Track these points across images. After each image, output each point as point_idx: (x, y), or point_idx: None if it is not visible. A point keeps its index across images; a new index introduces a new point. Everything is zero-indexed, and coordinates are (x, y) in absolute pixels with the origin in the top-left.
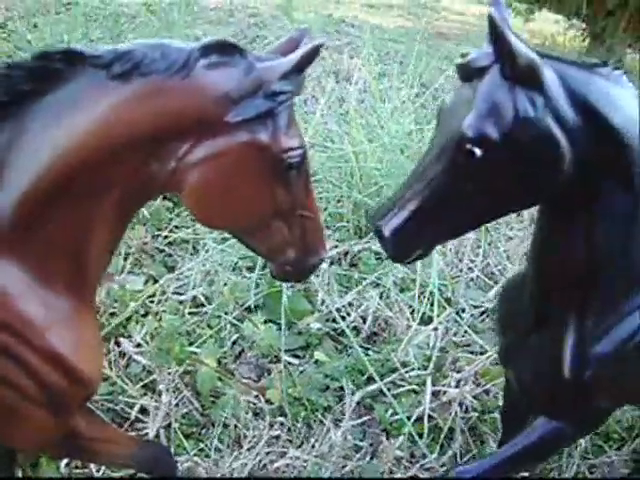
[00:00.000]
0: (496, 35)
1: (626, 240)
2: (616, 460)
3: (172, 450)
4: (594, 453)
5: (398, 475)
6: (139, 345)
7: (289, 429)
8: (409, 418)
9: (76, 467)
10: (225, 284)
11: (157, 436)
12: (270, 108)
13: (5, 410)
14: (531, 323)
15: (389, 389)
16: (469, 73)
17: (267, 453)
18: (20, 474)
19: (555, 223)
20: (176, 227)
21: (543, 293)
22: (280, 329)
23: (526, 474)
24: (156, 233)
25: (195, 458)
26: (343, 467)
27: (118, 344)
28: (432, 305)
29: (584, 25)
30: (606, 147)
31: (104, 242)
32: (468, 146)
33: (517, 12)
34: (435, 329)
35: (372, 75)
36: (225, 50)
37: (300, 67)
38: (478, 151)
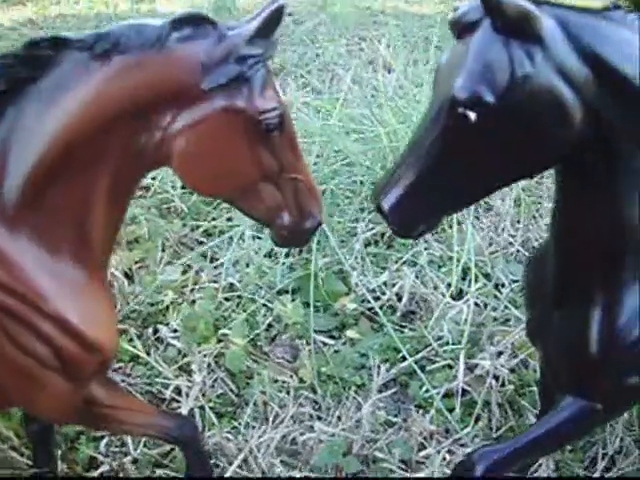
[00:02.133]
0: None
1: None
2: None
3: (204, 428)
4: None
5: (430, 449)
6: (175, 330)
7: (319, 406)
8: (444, 393)
9: (115, 447)
10: (260, 270)
11: (192, 415)
12: (240, 72)
13: (26, 377)
14: (555, 297)
15: (424, 365)
16: (461, 29)
17: (294, 428)
18: (59, 454)
19: (574, 189)
20: (214, 219)
21: (566, 265)
22: (317, 311)
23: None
24: (194, 224)
25: (226, 434)
26: (373, 441)
27: (157, 331)
28: (469, 281)
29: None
30: (622, 101)
31: (105, 213)
32: (460, 110)
33: None
34: (466, 302)
35: (406, 61)
36: (196, 22)
37: (265, 30)
38: (472, 114)
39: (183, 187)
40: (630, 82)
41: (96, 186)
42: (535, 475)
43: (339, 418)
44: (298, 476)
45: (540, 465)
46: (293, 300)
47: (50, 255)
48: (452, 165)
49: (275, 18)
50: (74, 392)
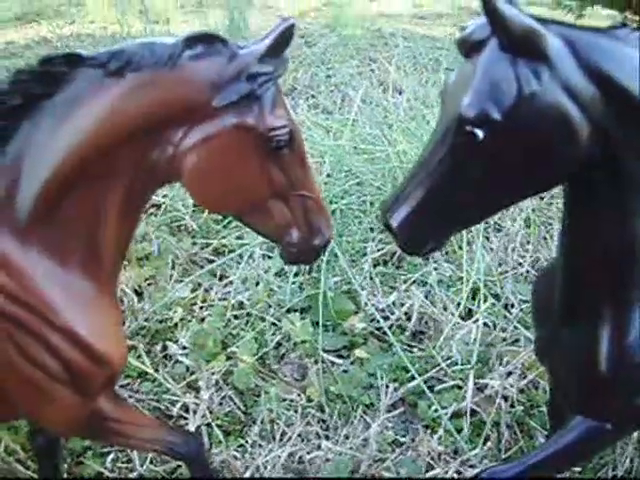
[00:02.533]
0: (484, 4)
1: None
2: None
3: (211, 445)
4: None
5: (437, 469)
6: (184, 347)
7: (327, 425)
8: (453, 413)
9: (121, 462)
10: (270, 289)
11: (199, 433)
12: (251, 90)
13: (34, 389)
14: (563, 315)
15: (433, 385)
16: (468, 48)
17: (301, 446)
18: (65, 468)
19: (582, 205)
20: (223, 237)
21: (574, 283)
22: (326, 330)
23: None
24: (204, 242)
25: (233, 452)
26: (381, 461)
27: (165, 348)
28: (478, 301)
29: (637, 17)
30: (629, 120)
31: (116, 227)
32: (468, 128)
33: (569, 9)
34: (475, 321)
35: (416, 82)
36: (208, 41)
37: (275, 48)
38: (480, 132)
39: (194, 205)
40: (635, 98)
41: (108, 201)
42: None
43: (346, 437)
44: None
45: None
46: (302, 319)
47: (61, 268)
48: (460, 183)
49: (286, 37)
50: (82, 405)
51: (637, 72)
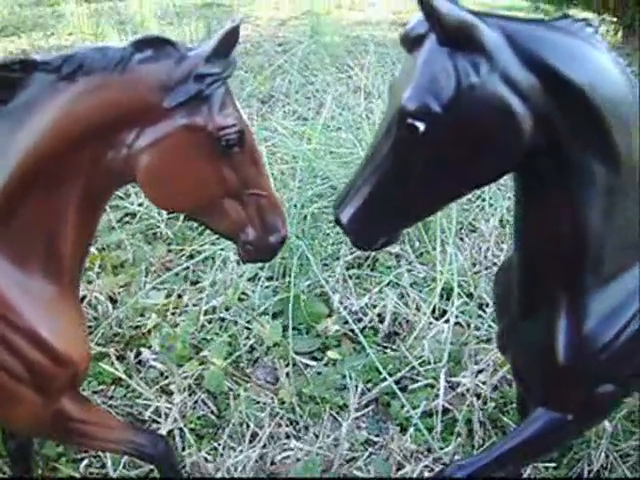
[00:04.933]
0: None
1: (611, 210)
2: None
3: (184, 448)
4: (625, 438)
5: (408, 467)
6: (157, 353)
7: (298, 427)
8: (427, 412)
9: (94, 468)
10: (243, 293)
11: (172, 437)
12: (199, 90)
13: (1, 392)
14: (521, 306)
15: (407, 385)
16: (409, 43)
17: (271, 447)
18: (39, 474)
19: (531, 196)
20: (198, 244)
21: (529, 274)
22: (299, 333)
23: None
24: (178, 249)
25: (204, 455)
26: (353, 460)
27: (139, 354)
28: (452, 301)
29: (614, 18)
30: (571, 109)
31: (75, 229)
32: (410, 120)
33: (546, 13)
34: (447, 321)
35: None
36: (158, 44)
37: (221, 49)
38: (421, 125)
39: (169, 213)
40: (577, 89)
41: (66, 202)
42: None
43: (317, 437)
44: None
45: None
46: (275, 322)
47: (21, 270)
48: (406, 176)
49: (231, 38)
50: (45, 406)
51: (577, 61)
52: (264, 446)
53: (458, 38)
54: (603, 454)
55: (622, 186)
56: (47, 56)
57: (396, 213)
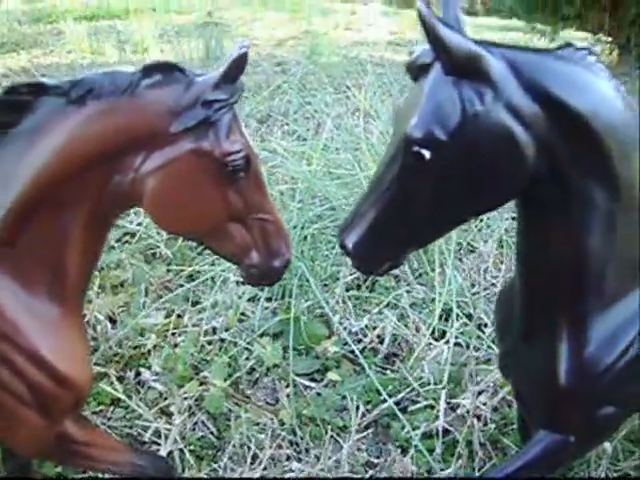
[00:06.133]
0: (426, 30)
1: (611, 235)
2: None
3: (184, 470)
4: (625, 458)
5: None
6: (157, 373)
7: (299, 449)
8: (428, 434)
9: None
10: (243, 314)
11: (172, 458)
12: (207, 116)
13: (4, 413)
14: (523, 330)
15: (407, 406)
16: (415, 72)
17: (272, 469)
18: None
19: (534, 221)
20: (197, 264)
21: (531, 298)
22: (299, 354)
23: None
24: (178, 269)
25: (204, 477)
26: None
27: (139, 374)
28: (451, 322)
29: (609, 38)
30: (573, 136)
31: (81, 251)
32: (416, 148)
33: (542, 34)
34: (447, 342)
35: (387, 107)
36: (166, 69)
37: (229, 75)
38: (427, 153)
39: (169, 233)
40: (578, 116)
41: (72, 225)
42: None
43: (317, 459)
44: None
45: None
46: (275, 343)
47: (26, 291)
48: (411, 202)
49: (239, 64)
50: (47, 428)
51: (579, 89)
52: (265, 468)
53: (464, 68)
54: (603, 474)
55: (623, 212)
56: (56, 80)
57: (401, 238)
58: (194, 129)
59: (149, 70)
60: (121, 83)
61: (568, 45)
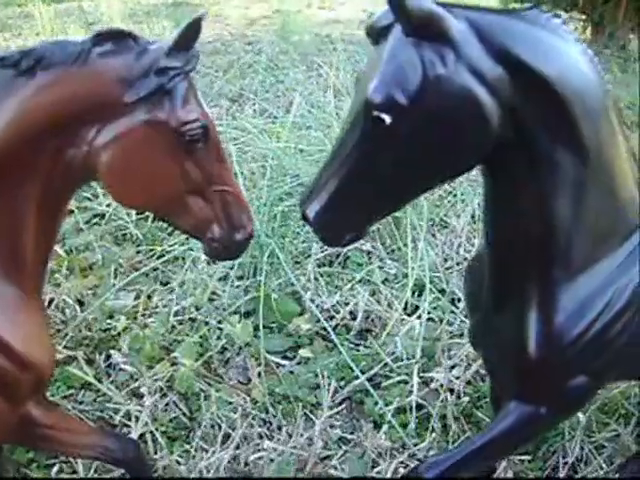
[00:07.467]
0: None
1: (580, 201)
2: (624, 435)
3: (156, 452)
4: (599, 430)
5: (383, 464)
6: (127, 355)
7: (272, 427)
8: (398, 408)
9: (66, 474)
10: (214, 293)
11: (144, 440)
12: (160, 84)
13: None
14: (492, 300)
15: (379, 382)
16: (375, 35)
17: (244, 448)
18: None
19: (500, 188)
20: (168, 245)
21: (499, 267)
22: (271, 332)
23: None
24: (148, 250)
25: (176, 458)
26: (327, 458)
27: (109, 357)
28: (424, 297)
29: (583, 16)
30: (539, 100)
31: (36, 231)
32: (375, 113)
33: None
34: (419, 317)
35: None
36: (118, 37)
37: (183, 42)
38: (387, 117)
39: (138, 214)
40: (544, 81)
41: (26, 203)
42: None
43: (290, 436)
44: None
45: (498, 475)
46: (246, 322)
47: None
48: (373, 170)
49: (193, 31)
50: (10, 411)
51: (545, 53)
52: (237, 447)
53: (423, 29)
54: (578, 446)
55: (591, 179)
56: (5, 51)
57: (363, 208)
58: (149, 98)
59: (101, 38)
60: (72, 52)
61: (533, 7)
